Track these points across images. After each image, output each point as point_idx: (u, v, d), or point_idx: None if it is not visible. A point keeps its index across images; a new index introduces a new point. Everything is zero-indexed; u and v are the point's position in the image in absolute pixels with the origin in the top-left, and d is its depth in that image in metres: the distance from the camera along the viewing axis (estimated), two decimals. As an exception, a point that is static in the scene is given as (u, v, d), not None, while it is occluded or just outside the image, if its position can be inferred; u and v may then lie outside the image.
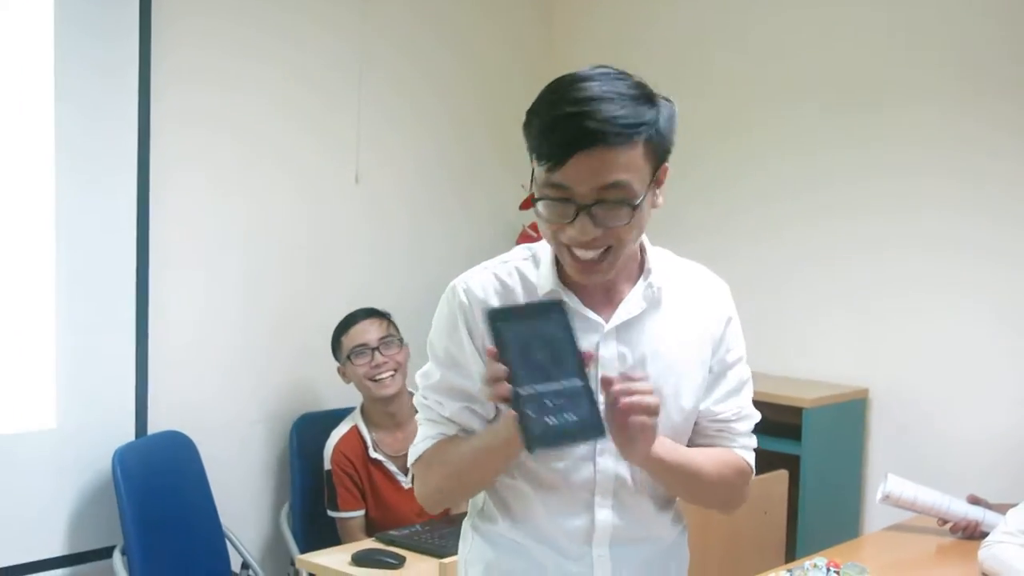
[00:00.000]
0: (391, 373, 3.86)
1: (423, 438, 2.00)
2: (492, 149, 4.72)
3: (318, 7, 4.24)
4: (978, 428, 3.91)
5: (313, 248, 4.29)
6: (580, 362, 1.71)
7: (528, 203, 4.70)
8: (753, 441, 2.08)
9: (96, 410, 3.69)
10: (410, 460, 2.03)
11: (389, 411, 3.90)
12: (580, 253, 1.81)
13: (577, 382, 1.69)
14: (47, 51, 3.52)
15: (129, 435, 3.75)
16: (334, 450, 3.88)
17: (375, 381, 3.85)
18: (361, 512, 3.87)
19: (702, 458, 1.96)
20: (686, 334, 1.97)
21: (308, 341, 4.23)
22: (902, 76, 4.07)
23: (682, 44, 4.66)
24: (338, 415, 4.10)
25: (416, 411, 2.04)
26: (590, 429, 1.69)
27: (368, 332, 3.90)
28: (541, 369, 1.69)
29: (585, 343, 1.86)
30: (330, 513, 3.88)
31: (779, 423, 4.00)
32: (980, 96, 3.91)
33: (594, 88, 1.75)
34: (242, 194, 4.07)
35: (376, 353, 3.87)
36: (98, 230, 3.67)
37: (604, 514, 1.95)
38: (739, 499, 2.10)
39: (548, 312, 1.74)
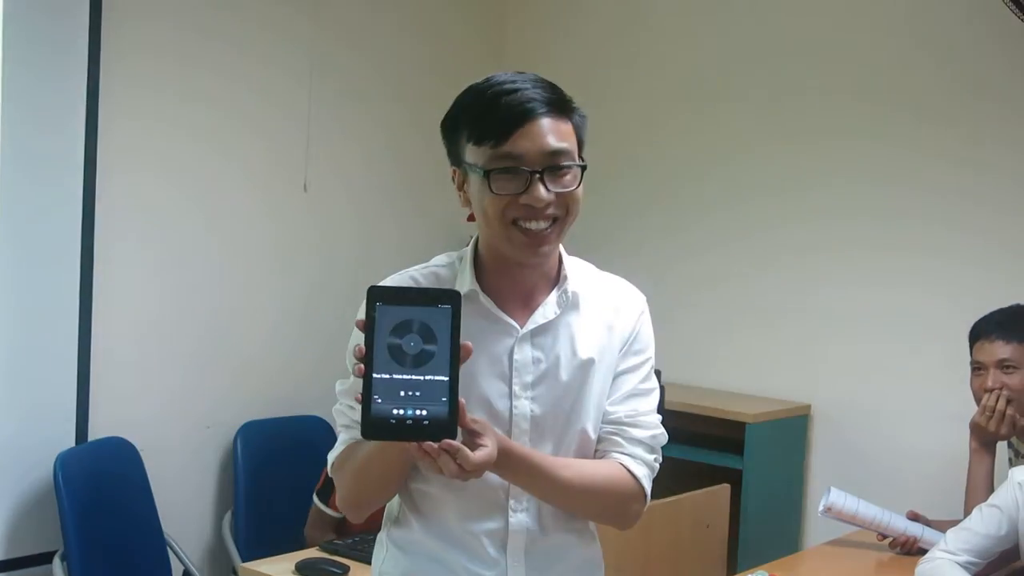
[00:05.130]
0: None
1: (337, 444, 1.99)
2: (445, 156, 4.69)
3: (267, 11, 4.22)
4: (918, 444, 3.96)
5: (260, 256, 4.27)
6: (455, 358, 1.63)
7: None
8: (649, 456, 1.98)
9: (36, 415, 3.66)
10: (328, 469, 2.01)
11: None
12: (532, 225, 1.85)
13: (443, 377, 1.62)
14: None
15: (69, 441, 3.72)
16: None
17: None
18: (342, 515, 3.84)
19: (561, 464, 1.90)
20: (599, 341, 1.97)
21: (252, 349, 4.21)
22: (852, 85, 4.14)
23: (633, 45, 4.69)
24: (282, 423, 4.08)
25: None
26: (437, 428, 1.61)
27: None
28: (407, 357, 1.61)
29: (500, 346, 1.91)
30: (317, 501, 3.84)
31: (722, 438, 4.03)
32: (921, 135, 3.98)
33: (522, 78, 1.88)
34: (188, 200, 4.05)
35: None
36: (41, 233, 3.64)
37: (519, 517, 1.95)
38: (622, 513, 2.00)
39: (437, 301, 1.65)
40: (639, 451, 1.97)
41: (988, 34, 3.84)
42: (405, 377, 1.61)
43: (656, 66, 4.64)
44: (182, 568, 3.91)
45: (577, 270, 2.00)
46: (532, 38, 4.99)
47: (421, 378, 1.61)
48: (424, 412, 1.61)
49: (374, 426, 1.61)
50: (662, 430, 2.01)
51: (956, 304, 3.81)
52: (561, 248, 1.98)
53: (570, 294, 1.96)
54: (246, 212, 4.22)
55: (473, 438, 1.72)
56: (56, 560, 3.59)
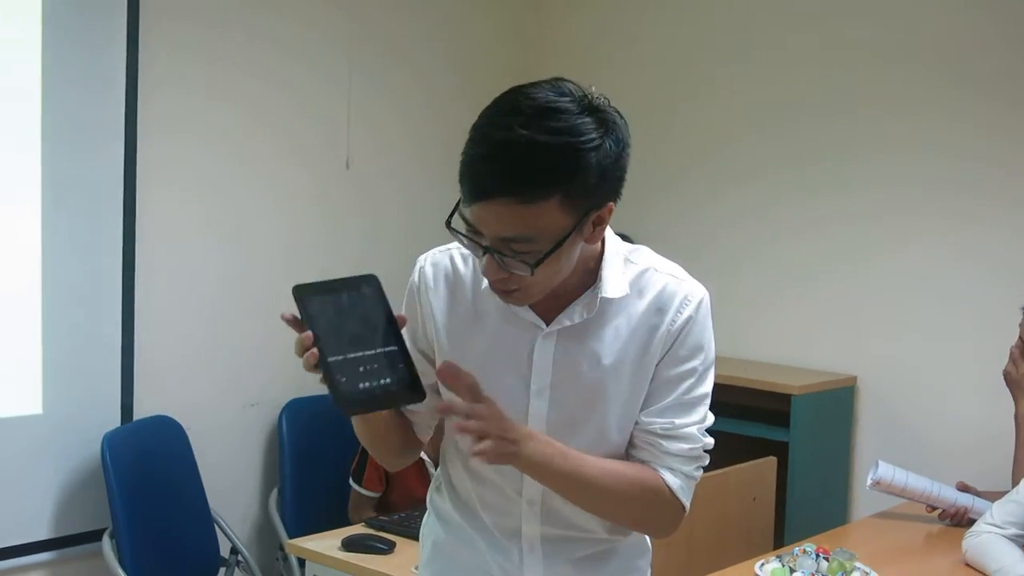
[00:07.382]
0: None
1: None
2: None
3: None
4: (966, 415, 3.92)
5: (303, 234, 4.27)
6: (395, 329, 1.69)
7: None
8: (689, 467, 1.88)
9: (83, 395, 3.69)
10: None
11: None
12: (494, 283, 1.76)
13: (393, 348, 1.68)
14: (34, 59, 3.51)
15: (116, 420, 3.75)
16: None
17: None
18: (378, 494, 3.88)
19: (596, 470, 1.82)
20: (634, 344, 1.85)
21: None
22: (900, 79, 4.08)
23: (673, 43, 4.65)
24: (327, 400, 4.06)
25: None
26: (406, 392, 1.68)
27: None
28: (354, 337, 1.68)
29: (521, 344, 1.85)
30: (351, 482, 3.89)
31: (768, 410, 4.01)
32: (966, 101, 3.93)
33: (518, 130, 1.63)
34: (230, 178, 4.06)
35: None
36: (85, 214, 3.66)
37: (532, 514, 1.92)
38: (656, 522, 1.94)
39: (359, 286, 1.74)
40: (675, 463, 1.87)
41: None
42: (358, 355, 1.67)
43: (698, 30, 4.60)
44: (229, 545, 3.94)
45: (618, 270, 1.86)
46: (572, 11, 4.93)
47: (372, 352, 1.68)
48: (388, 380, 1.67)
49: (348, 402, 1.68)
50: (705, 441, 1.89)
51: (1003, 275, 3.78)
52: (609, 239, 1.86)
53: (599, 300, 1.83)
54: (289, 191, 4.23)
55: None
56: (105, 538, 3.63)
